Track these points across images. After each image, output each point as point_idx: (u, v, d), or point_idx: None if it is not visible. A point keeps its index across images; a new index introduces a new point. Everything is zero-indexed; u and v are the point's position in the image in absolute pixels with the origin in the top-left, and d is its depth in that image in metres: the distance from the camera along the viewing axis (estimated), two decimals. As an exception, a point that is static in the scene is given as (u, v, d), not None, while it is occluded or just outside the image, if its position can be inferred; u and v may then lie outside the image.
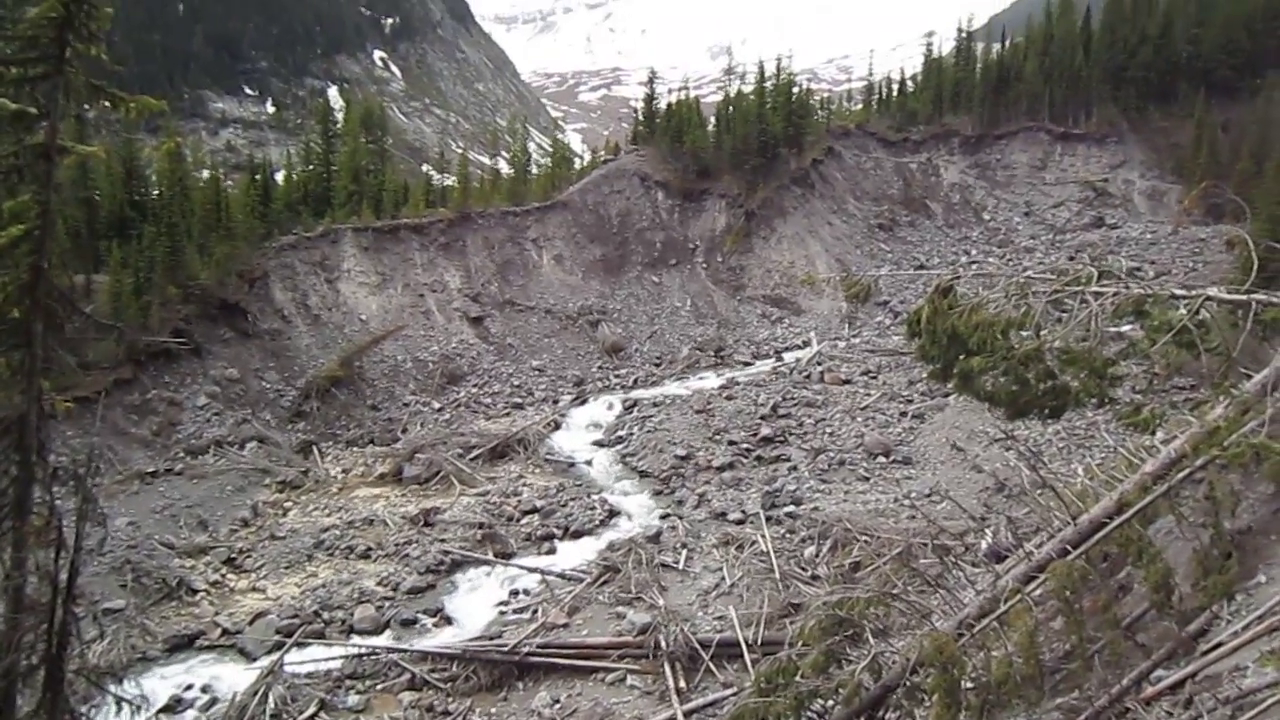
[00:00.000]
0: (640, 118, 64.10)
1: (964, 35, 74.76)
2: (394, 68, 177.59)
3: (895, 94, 73.85)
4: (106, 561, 21.87)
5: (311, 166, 50.95)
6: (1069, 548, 8.29)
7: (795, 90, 62.22)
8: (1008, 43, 75.37)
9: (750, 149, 57.68)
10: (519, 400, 40.56)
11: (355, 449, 34.30)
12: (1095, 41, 70.31)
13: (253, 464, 30.54)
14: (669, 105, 63.28)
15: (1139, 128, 67.32)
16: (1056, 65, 69.02)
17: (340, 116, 57.68)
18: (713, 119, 64.64)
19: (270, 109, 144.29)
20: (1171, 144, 64.94)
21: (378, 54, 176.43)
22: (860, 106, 78.63)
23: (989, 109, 68.56)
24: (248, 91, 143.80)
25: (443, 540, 25.21)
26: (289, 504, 28.75)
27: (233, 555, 24.58)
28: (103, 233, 38.01)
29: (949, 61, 75.00)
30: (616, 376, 44.46)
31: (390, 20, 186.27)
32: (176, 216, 37.13)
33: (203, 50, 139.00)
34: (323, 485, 30.45)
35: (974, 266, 52.40)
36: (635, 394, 40.69)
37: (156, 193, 41.09)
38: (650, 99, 63.88)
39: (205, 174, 49.21)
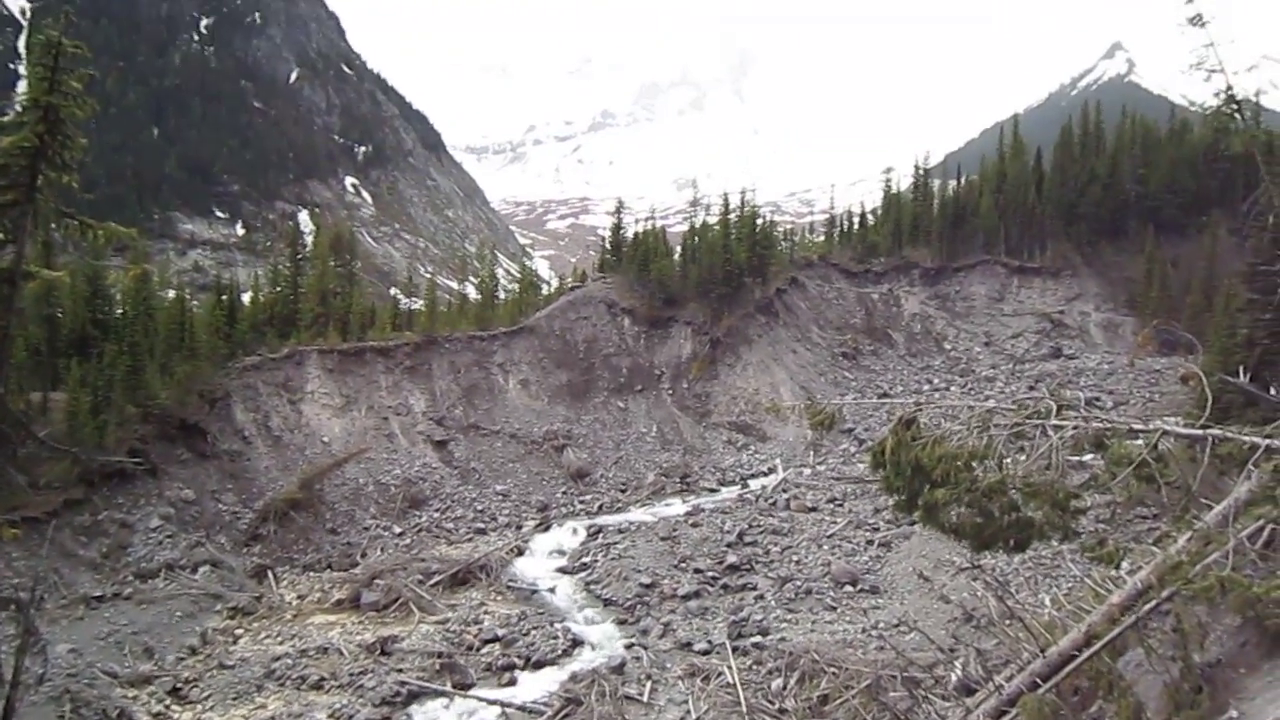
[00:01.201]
0: (607, 246, 65.21)
1: (921, 172, 77.50)
2: (365, 194, 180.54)
3: (856, 227, 75.90)
4: (45, 691, 20.90)
5: (279, 288, 51.12)
6: (1039, 681, 8.18)
7: (759, 222, 63.77)
8: (963, 180, 78.14)
9: (715, 278, 58.63)
10: (482, 525, 39.95)
11: (312, 574, 33.48)
12: (1047, 180, 73.02)
13: (204, 589, 29.67)
14: (636, 234, 64.48)
15: (1092, 262, 69.41)
16: (1010, 202, 71.41)
17: (310, 240, 58.25)
18: (678, 248, 65.84)
19: (240, 231, 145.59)
20: (1124, 278, 66.91)
21: (349, 180, 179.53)
22: (822, 238, 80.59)
23: (947, 242, 70.55)
24: (218, 214, 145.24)
25: (400, 670, 24.40)
26: (240, 631, 27.82)
27: (178, 685, 23.59)
28: (63, 350, 37.65)
29: (907, 197, 77.54)
30: (581, 502, 44.02)
31: (363, 148, 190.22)
32: (139, 335, 36.92)
33: (175, 173, 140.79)
34: (276, 612, 29.55)
35: (938, 395, 53.03)
36: (600, 520, 40.21)
37: (120, 311, 40.96)
38: (617, 228, 65.15)
39: (171, 294, 49.23)
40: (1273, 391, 8.61)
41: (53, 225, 8.97)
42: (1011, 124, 78.71)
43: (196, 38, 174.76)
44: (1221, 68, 9.57)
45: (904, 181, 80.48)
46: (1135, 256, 66.14)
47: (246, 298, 54.49)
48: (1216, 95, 9.93)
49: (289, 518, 36.30)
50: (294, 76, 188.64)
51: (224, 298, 47.49)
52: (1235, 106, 10.06)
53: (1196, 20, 9.39)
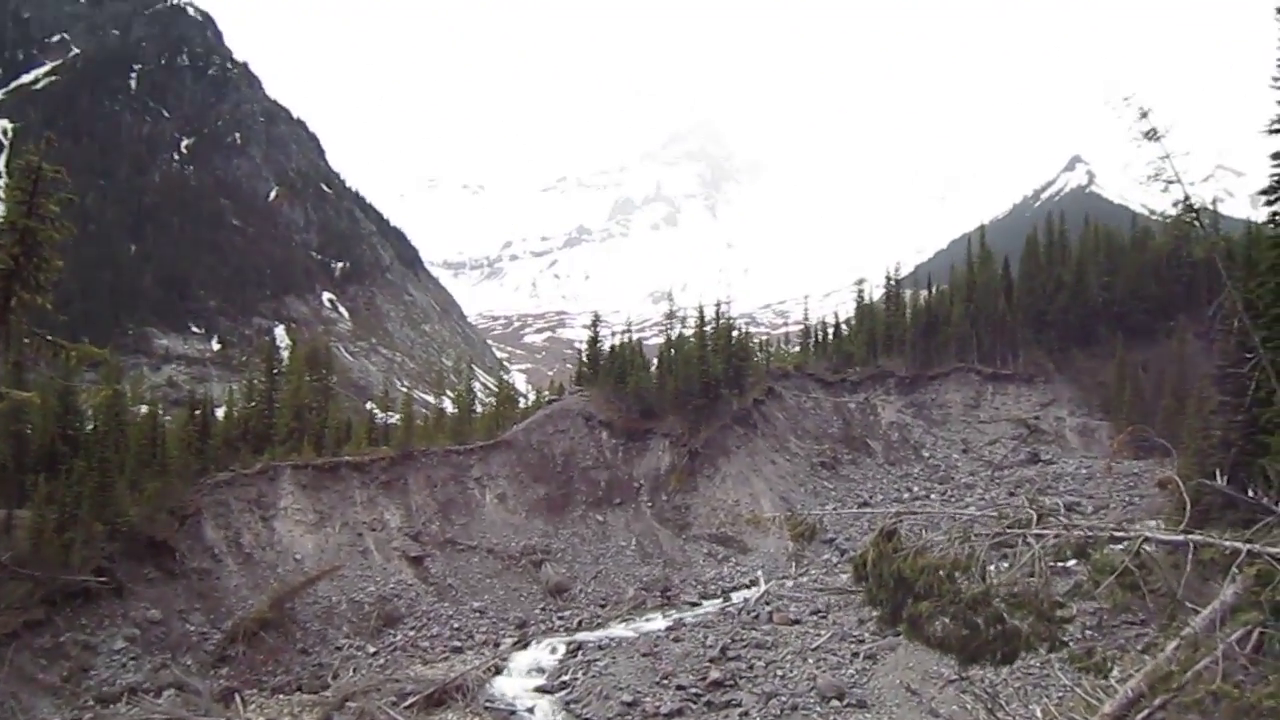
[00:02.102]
0: (584, 359, 65.47)
1: (893, 283, 78.80)
2: (342, 309, 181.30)
3: (831, 337, 76.76)
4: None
5: (253, 403, 50.84)
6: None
7: (735, 334, 64.36)
8: (934, 289, 79.49)
9: (692, 390, 58.80)
10: (458, 643, 38.99)
11: (281, 697, 32.38)
12: (1015, 288, 74.39)
13: (168, 713, 28.62)
14: (612, 347, 64.83)
15: (1064, 368, 70.24)
16: (981, 310, 72.54)
17: (285, 354, 58.20)
18: (655, 361, 66.15)
19: (215, 346, 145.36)
20: (1097, 383, 67.63)
21: (326, 295, 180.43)
22: (798, 349, 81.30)
23: (921, 351, 71.34)
24: (194, 330, 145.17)
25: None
26: (205, 761, 26.77)
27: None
28: (31, 466, 37.09)
29: (880, 306, 78.65)
30: (560, 618, 43.14)
31: (341, 264, 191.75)
32: (110, 451, 36.46)
33: (151, 289, 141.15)
34: (243, 739, 28.51)
35: (918, 503, 52.84)
36: (579, 636, 39.34)
37: (91, 427, 40.51)
38: (594, 341, 65.53)
39: (144, 409, 48.80)
40: (1250, 493, 8.60)
41: (25, 342, 8.89)
42: (979, 234, 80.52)
43: (177, 157, 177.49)
44: (1178, 178, 9.84)
45: (876, 292, 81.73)
46: (1106, 362, 66.97)
47: (220, 413, 54.13)
48: (1175, 205, 10.20)
49: (259, 638, 35.32)
50: (273, 194, 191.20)
51: (197, 413, 47.13)
52: (1194, 215, 10.32)
53: (1151, 135, 9.69)
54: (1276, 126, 22.88)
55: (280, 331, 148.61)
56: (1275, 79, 21.29)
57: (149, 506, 36.38)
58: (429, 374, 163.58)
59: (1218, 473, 10.62)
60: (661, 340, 70.16)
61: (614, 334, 70.52)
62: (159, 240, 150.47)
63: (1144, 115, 9.28)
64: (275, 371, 51.78)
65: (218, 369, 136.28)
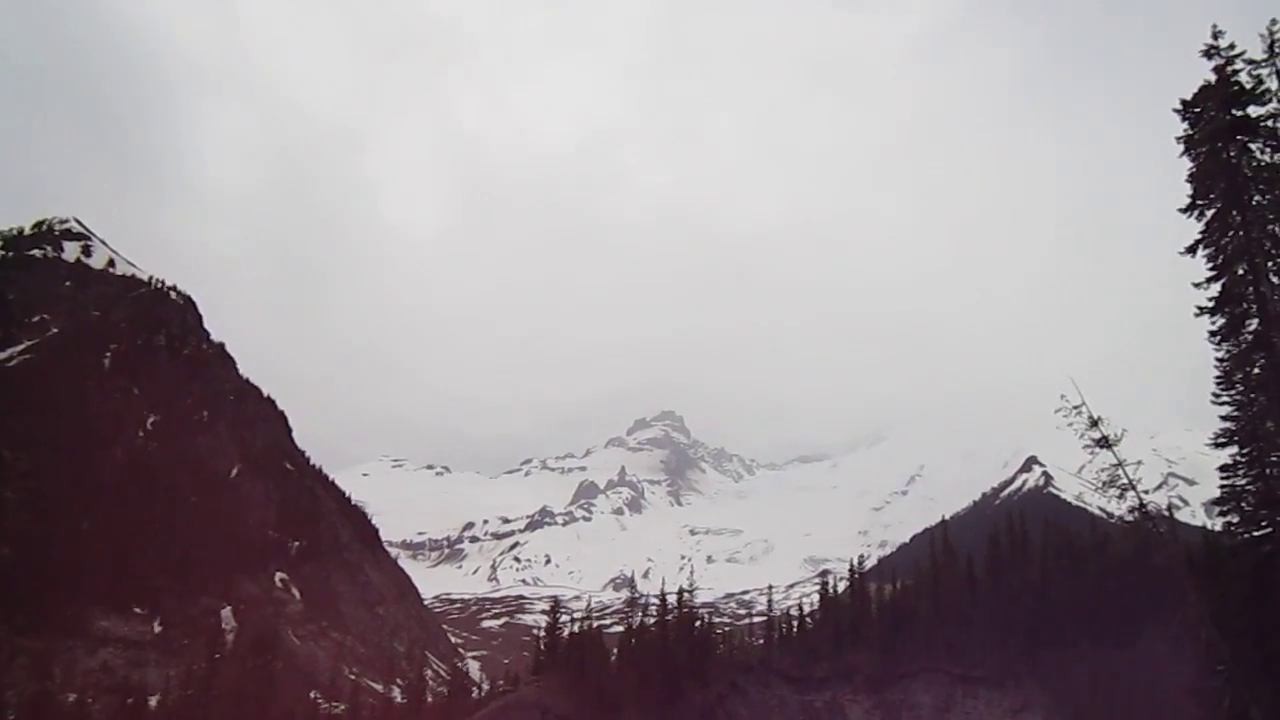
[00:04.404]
0: (543, 647, 63.50)
1: (857, 576, 78.11)
2: (294, 589, 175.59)
3: (795, 629, 75.08)
4: None
5: (190, 692, 48.26)
6: None
7: (697, 624, 62.94)
8: (898, 584, 78.73)
9: (653, 682, 56.78)
10: None
11: None
12: (980, 586, 73.89)
13: None
14: (572, 634, 63.16)
15: (1034, 670, 68.45)
16: (947, 608, 71.64)
17: (231, 637, 55.91)
18: (616, 650, 64.25)
19: (157, 628, 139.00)
20: (1068, 688, 65.74)
21: (279, 575, 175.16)
22: (761, 642, 79.34)
23: (888, 646, 69.63)
24: (136, 610, 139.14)
25: None
26: None
27: None
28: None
29: (845, 599, 77.51)
30: None
31: (297, 543, 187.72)
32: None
33: (97, 567, 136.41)
34: None
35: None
36: None
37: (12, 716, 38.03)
38: (553, 628, 63.83)
39: (72, 697, 46.09)
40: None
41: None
42: (941, 530, 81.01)
43: (142, 434, 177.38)
44: (1133, 485, 10.12)
45: (840, 584, 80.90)
46: (1076, 665, 65.49)
47: (154, 700, 51.20)
48: (1132, 511, 10.43)
49: None
50: (235, 472, 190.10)
51: (130, 700, 44.55)
52: (1152, 522, 10.53)
53: (1102, 443, 10.07)
54: (1222, 440, 23.85)
55: (227, 613, 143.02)
56: (1215, 395, 22.47)
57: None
58: (380, 659, 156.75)
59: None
60: (622, 628, 68.36)
61: (574, 620, 68.85)
62: (113, 516, 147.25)
63: (1094, 424, 9.66)
64: (217, 655, 49.61)
65: (157, 652, 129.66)
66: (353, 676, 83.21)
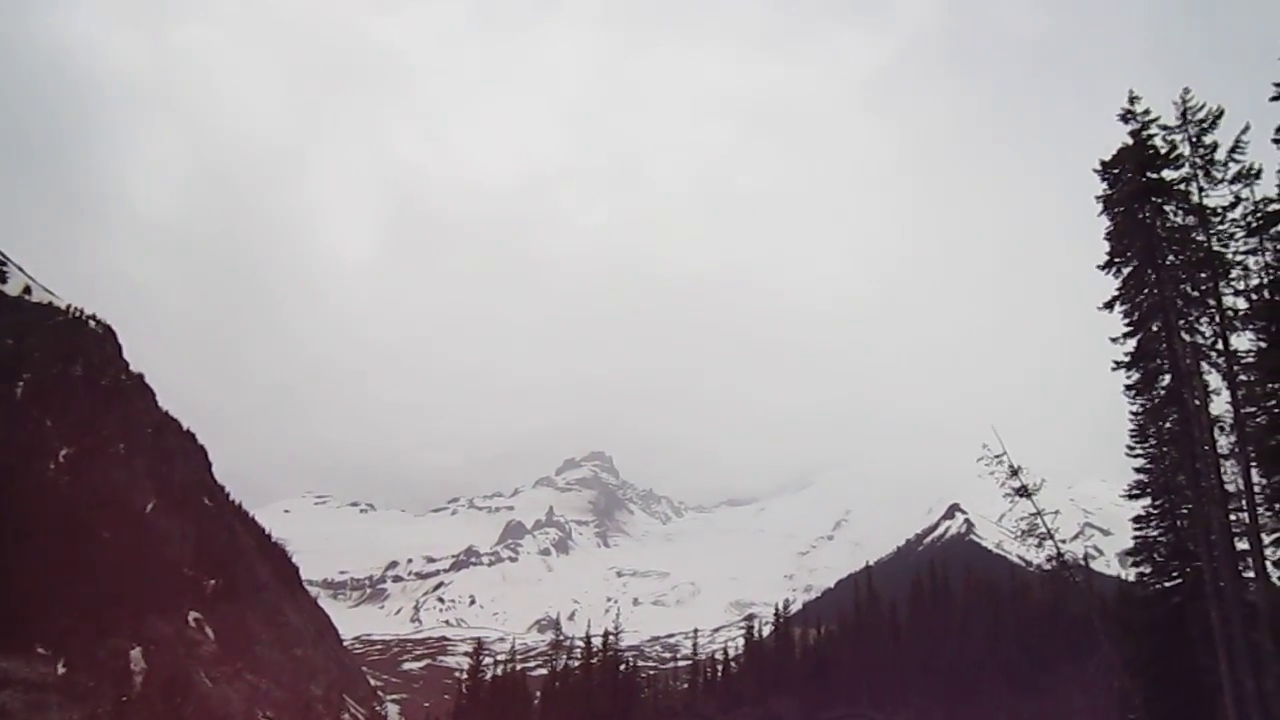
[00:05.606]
0: (465, 690, 62.43)
1: (782, 620, 78.33)
2: (209, 629, 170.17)
3: (720, 674, 74.92)
4: None
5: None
6: None
7: (622, 667, 62.43)
8: (822, 630, 79.16)
9: (577, 727, 55.99)
10: None
11: None
12: (903, 633, 74.56)
13: None
14: (494, 678, 62.19)
15: (954, 716, 69.06)
16: (870, 654, 72.12)
17: (139, 680, 53.92)
18: (539, 693, 63.40)
19: (61, 670, 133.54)
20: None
21: (193, 615, 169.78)
22: (686, 686, 78.96)
23: (812, 691, 69.75)
24: (40, 650, 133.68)
25: None
26: None
27: None
28: None
29: (770, 644, 77.63)
30: None
31: (213, 582, 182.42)
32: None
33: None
34: None
35: None
36: None
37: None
38: (475, 670, 62.85)
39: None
40: None
41: None
42: (865, 576, 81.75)
43: (53, 466, 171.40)
44: (1050, 534, 10.34)
45: (766, 629, 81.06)
46: (995, 712, 66.25)
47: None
48: (1050, 560, 10.65)
49: None
50: (150, 507, 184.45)
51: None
52: (1069, 571, 10.76)
53: (1022, 492, 10.29)
54: (1136, 492, 24.57)
55: (137, 654, 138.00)
56: (1129, 448, 23.21)
57: None
58: (295, 702, 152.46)
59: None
60: (546, 671, 67.54)
61: (497, 663, 67.79)
62: (17, 552, 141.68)
63: (1015, 473, 9.89)
64: (124, 698, 47.71)
65: (60, 695, 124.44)
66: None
